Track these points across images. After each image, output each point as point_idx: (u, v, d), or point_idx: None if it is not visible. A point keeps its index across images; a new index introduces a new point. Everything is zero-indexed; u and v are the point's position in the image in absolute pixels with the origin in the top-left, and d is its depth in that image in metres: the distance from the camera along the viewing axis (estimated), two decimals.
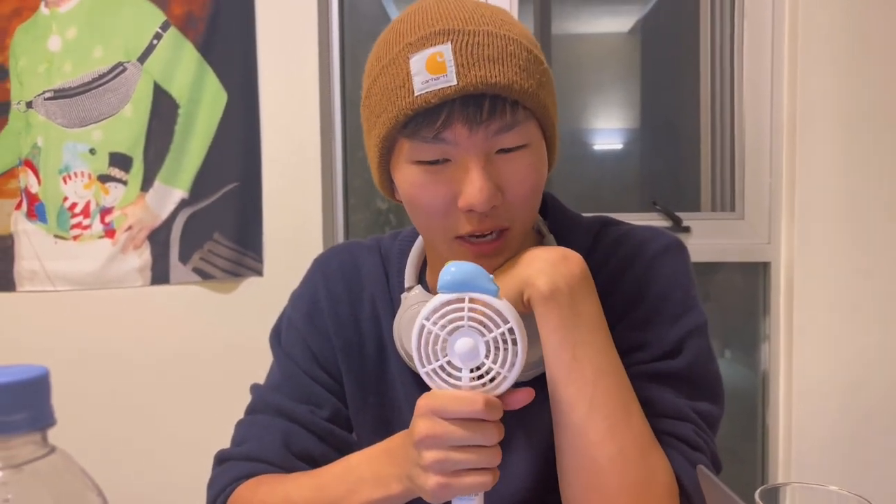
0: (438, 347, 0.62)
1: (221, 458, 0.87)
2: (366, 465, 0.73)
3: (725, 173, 1.90)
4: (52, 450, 0.43)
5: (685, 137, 2.03)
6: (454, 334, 0.62)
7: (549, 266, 0.70)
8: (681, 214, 1.83)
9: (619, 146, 2.05)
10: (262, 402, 0.88)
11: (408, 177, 0.74)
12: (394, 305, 0.86)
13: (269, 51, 1.82)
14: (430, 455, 0.62)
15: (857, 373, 1.71)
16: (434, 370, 0.63)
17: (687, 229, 1.81)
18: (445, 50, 0.69)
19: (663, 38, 2.09)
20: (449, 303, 0.62)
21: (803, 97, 1.70)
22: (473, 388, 0.62)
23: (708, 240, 1.82)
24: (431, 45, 0.69)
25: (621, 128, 2.05)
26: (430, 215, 0.74)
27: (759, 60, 1.80)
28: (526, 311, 0.71)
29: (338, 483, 0.74)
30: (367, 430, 0.87)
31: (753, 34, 1.80)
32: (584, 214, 0.88)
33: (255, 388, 0.91)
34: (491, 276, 0.63)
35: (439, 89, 0.68)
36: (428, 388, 0.79)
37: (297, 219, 1.82)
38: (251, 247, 1.84)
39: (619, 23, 2.08)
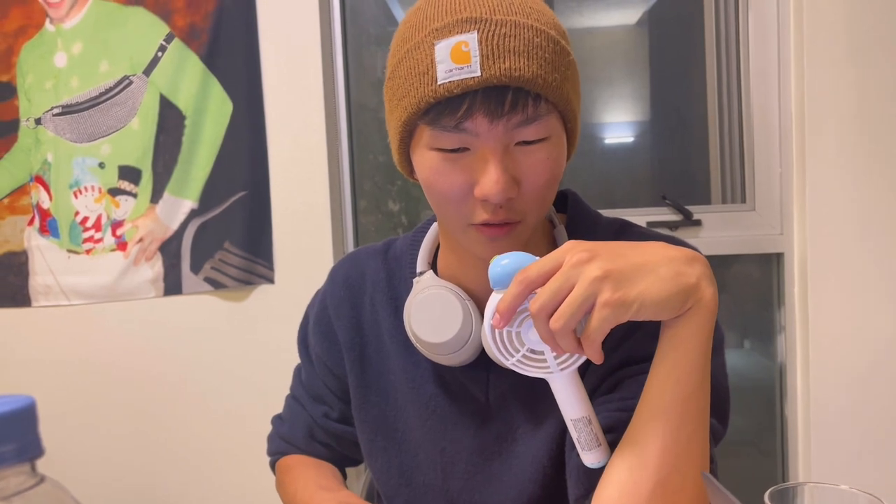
0: (515, 339, 0.65)
1: (273, 425, 1.05)
2: None
3: (735, 165, 1.88)
4: (42, 479, 0.43)
5: (694, 129, 2.01)
6: (523, 325, 0.64)
7: (707, 270, 0.64)
8: (691, 208, 1.81)
9: (627, 139, 2.04)
10: (294, 393, 1.03)
11: (427, 162, 0.74)
12: (396, 304, 0.88)
13: (273, 58, 1.82)
14: None
15: (874, 361, 1.68)
16: (519, 360, 0.65)
17: (698, 223, 1.80)
18: (471, 39, 0.68)
19: (671, 30, 2.07)
20: None
21: (811, 86, 1.67)
22: (560, 363, 0.65)
23: (720, 232, 1.80)
24: (458, 33, 0.68)
25: (629, 121, 2.03)
26: (447, 202, 0.74)
27: (765, 50, 1.77)
28: (672, 315, 0.63)
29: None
30: (370, 427, 0.91)
31: (759, 24, 1.77)
32: (604, 215, 0.88)
33: (295, 373, 1.04)
34: (538, 258, 0.63)
35: (462, 80, 0.68)
36: (417, 395, 0.85)
37: (306, 225, 1.83)
38: (261, 254, 1.84)
39: (625, 15, 2.06)
